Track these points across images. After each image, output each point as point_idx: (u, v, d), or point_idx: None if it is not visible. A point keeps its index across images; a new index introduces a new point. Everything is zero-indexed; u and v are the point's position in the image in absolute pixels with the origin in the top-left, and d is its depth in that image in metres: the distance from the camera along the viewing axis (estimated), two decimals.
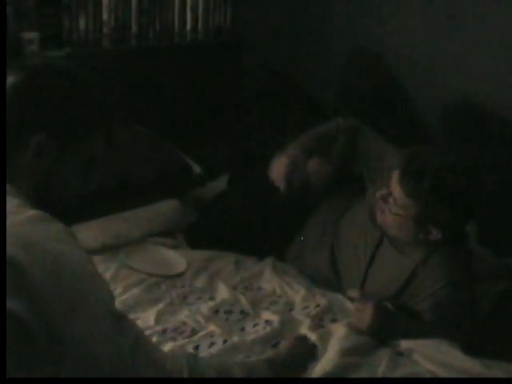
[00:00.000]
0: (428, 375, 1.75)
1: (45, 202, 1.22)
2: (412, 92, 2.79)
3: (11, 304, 1.02)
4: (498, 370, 1.76)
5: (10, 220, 1.09)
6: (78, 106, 1.23)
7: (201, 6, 3.14)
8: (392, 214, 1.96)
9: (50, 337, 1.05)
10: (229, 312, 1.98)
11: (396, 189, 1.93)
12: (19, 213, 1.12)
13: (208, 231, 2.41)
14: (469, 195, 1.91)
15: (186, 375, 1.23)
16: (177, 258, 2.26)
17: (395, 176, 1.94)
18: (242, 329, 1.91)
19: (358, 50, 2.94)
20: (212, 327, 1.88)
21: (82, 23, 2.81)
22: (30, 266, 1.05)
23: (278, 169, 2.25)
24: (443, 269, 1.98)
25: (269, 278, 2.17)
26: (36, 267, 1.05)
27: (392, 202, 1.95)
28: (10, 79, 1.20)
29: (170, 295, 2.04)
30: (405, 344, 1.85)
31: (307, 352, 1.66)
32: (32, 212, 1.13)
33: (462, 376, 1.73)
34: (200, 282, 2.14)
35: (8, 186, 1.17)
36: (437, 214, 1.92)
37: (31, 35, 2.63)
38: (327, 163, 2.33)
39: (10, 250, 1.05)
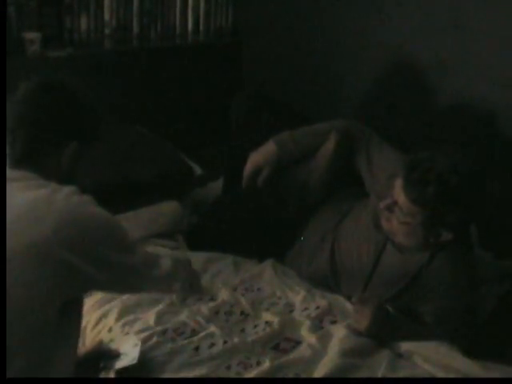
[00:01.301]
0: (427, 377, 1.76)
1: None
2: (413, 94, 2.79)
3: (69, 256, 1.38)
4: (497, 372, 1.76)
5: (59, 194, 1.42)
6: (92, 115, 1.57)
7: (202, 7, 3.14)
8: (400, 222, 1.96)
9: (98, 263, 1.43)
10: (229, 313, 1.98)
11: (401, 197, 1.92)
12: (60, 190, 1.44)
13: (208, 233, 2.41)
14: (474, 193, 1.92)
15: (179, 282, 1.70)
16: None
17: (398, 184, 1.93)
18: (242, 330, 1.91)
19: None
20: (212, 328, 1.88)
21: (83, 24, 2.81)
22: (88, 221, 1.43)
23: (249, 164, 2.31)
24: (447, 271, 1.98)
25: (269, 280, 2.17)
26: (90, 222, 1.44)
27: (398, 211, 1.94)
28: (36, 93, 1.51)
29: (170, 296, 2.04)
30: (404, 346, 1.86)
31: None
32: (69, 188, 1.45)
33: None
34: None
35: (35, 176, 1.47)
36: (445, 216, 1.91)
37: (33, 35, 2.63)
38: (314, 165, 2.33)
39: (72, 212, 1.41)
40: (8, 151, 1.48)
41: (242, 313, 1.99)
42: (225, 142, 2.62)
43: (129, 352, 1.75)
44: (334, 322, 1.97)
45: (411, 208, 1.91)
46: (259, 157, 2.30)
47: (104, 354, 1.76)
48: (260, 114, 2.48)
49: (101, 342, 1.80)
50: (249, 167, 2.32)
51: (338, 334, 1.88)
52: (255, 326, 1.92)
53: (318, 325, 1.94)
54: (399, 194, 1.92)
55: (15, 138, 1.47)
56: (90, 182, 1.70)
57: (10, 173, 1.47)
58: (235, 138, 2.52)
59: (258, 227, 2.37)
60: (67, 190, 1.44)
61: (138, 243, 1.66)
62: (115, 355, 1.74)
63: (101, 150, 1.58)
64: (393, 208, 1.95)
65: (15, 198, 1.41)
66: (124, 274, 1.53)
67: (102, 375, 1.70)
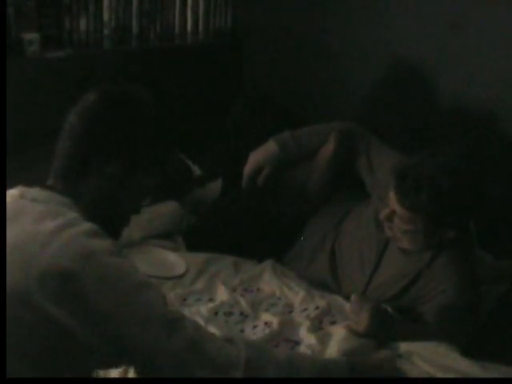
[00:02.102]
0: (426, 377, 1.76)
1: (100, 217, 1.30)
2: (413, 95, 2.80)
3: (54, 310, 1.13)
4: (495, 372, 1.76)
5: (68, 231, 1.18)
6: (151, 142, 1.34)
7: (201, 7, 3.13)
8: (402, 231, 1.97)
9: (104, 338, 1.15)
10: (228, 314, 1.98)
11: (397, 207, 1.94)
12: (76, 225, 1.20)
13: (207, 234, 2.41)
14: (468, 190, 1.92)
15: (240, 370, 1.26)
16: (176, 260, 2.26)
17: (392, 196, 1.95)
18: (242, 330, 1.91)
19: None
20: (212, 329, 1.87)
21: (82, 24, 2.80)
22: (86, 276, 1.14)
23: (248, 164, 2.31)
24: (449, 271, 1.98)
25: (268, 280, 2.17)
26: (91, 278, 1.14)
27: (398, 220, 1.95)
28: (92, 105, 1.30)
29: (170, 297, 2.04)
30: (404, 346, 1.86)
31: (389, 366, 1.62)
32: (87, 225, 1.21)
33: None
34: (199, 284, 2.15)
35: (64, 198, 1.27)
36: (445, 217, 1.92)
37: (32, 36, 2.62)
38: (314, 166, 2.33)
39: (66, 260, 1.14)
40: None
41: (242, 313, 1.99)
42: (224, 143, 2.62)
43: None
44: (333, 323, 1.97)
45: (409, 216, 1.92)
46: (260, 156, 2.31)
47: None
48: (259, 116, 2.49)
49: None
50: (249, 166, 2.32)
51: (338, 334, 1.87)
52: (254, 327, 1.92)
53: (317, 325, 1.94)
54: (394, 204, 1.94)
55: (57, 150, 1.31)
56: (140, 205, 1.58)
57: (35, 191, 1.28)
58: (234, 140, 2.53)
59: (258, 228, 2.37)
60: (81, 228, 1.20)
61: (183, 321, 1.25)
62: None
63: None
64: (392, 218, 1.97)
65: (23, 221, 1.20)
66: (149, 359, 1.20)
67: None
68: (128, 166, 1.30)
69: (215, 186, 2.65)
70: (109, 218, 1.33)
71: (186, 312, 1.94)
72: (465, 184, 1.91)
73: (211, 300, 2.06)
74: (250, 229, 2.36)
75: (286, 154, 2.29)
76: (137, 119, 1.32)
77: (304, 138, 2.31)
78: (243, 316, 1.98)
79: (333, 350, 1.81)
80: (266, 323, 1.94)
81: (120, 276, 1.18)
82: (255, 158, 2.32)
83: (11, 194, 1.30)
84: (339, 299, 2.09)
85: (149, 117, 1.35)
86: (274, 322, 1.93)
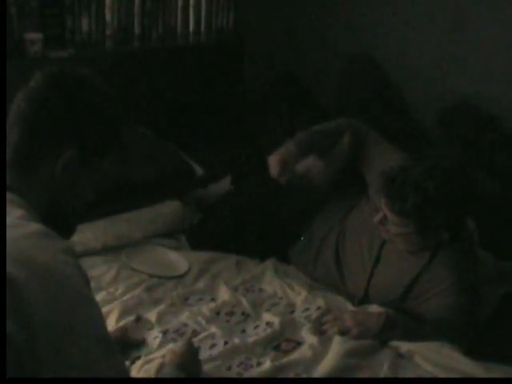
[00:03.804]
0: (429, 377, 1.76)
1: (54, 211, 1.23)
2: (411, 94, 2.80)
3: (8, 325, 1.00)
4: (498, 373, 1.76)
5: (12, 233, 1.08)
6: (106, 123, 1.25)
7: (203, 7, 3.14)
8: (395, 234, 1.99)
9: (39, 360, 1.02)
10: (230, 313, 1.98)
11: (387, 212, 1.97)
12: (21, 226, 1.10)
13: (210, 233, 2.41)
14: (456, 192, 1.93)
15: None
16: (178, 260, 2.26)
17: (382, 202, 1.97)
18: (243, 330, 1.91)
19: (358, 54, 2.94)
20: (213, 329, 1.88)
21: (84, 24, 2.80)
22: (29, 285, 1.03)
23: (273, 163, 2.29)
24: (447, 270, 1.99)
25: (270, 280, 2.17)
26: (35, 288, 1.03)
27: (390, 224, 1.98)
28: (39, 88, 1.21)
29: (172, 296, 2.05)
30: (406, 346, 1.85)
31: None
32: (35, 227, 1.12)
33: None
34: (201, 284, 2.15)
35: (10, 195, 1.16)
36: (434, 219, 1.93)
37: (34, 36, 2.63)
38: (328, 163, 2.34)
39: (10, 266, 1.03)
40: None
41: (243, 313, 1.99)
42: (235, 130, 2.61)
43: (148, 343, 1.80)
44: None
45: (399, 220, 1.95)
46: (282, 156, 2.30)
47: (130, 343, 1.78)
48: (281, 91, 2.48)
49: (125, 330, 1.80)
50: (275, 165, 2.29)
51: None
52: (256, 327, 1.92)
53: (318, 326, 1.94)
54: (385, 209, 1.97)
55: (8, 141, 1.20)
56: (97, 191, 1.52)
57: None
58: (252, 113, 2.51)
59: (261, 226, 2.37)
60: (24, 231, 1.10)
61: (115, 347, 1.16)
62: (139, 344, 1.78)
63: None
64: (385, 222, 1.99)
65: None
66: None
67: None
68: (83, 149, 1.21)
69: (217, 187, 2.66)
70: (61, 213, 1.25)
71: (188, 312, 1.95)
72: (450, 186, 1.93)
73: (213, 300, 2.06)
74: (253, 227, 2.36)
75: (302, 153, 2.31)
76: (86, 99, 1.23)
77: (316, 137, 2.33)
78: (245, 316, 1.98)
79: (335, 349, 1.81)
80: (267, 323, 1.94)
81: (63, 288, 1.07)
82: (278, 157, 2.31)
83: None
84: (341, 299, 2.09)
85: (99, 96, 1.25)
86: (276, 322, 1.93)
